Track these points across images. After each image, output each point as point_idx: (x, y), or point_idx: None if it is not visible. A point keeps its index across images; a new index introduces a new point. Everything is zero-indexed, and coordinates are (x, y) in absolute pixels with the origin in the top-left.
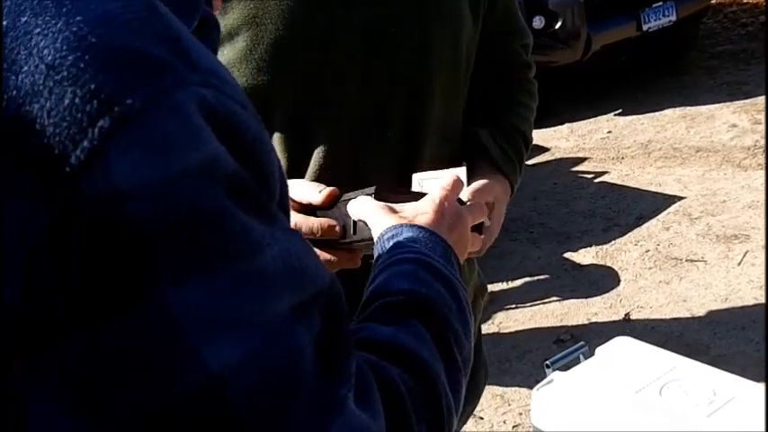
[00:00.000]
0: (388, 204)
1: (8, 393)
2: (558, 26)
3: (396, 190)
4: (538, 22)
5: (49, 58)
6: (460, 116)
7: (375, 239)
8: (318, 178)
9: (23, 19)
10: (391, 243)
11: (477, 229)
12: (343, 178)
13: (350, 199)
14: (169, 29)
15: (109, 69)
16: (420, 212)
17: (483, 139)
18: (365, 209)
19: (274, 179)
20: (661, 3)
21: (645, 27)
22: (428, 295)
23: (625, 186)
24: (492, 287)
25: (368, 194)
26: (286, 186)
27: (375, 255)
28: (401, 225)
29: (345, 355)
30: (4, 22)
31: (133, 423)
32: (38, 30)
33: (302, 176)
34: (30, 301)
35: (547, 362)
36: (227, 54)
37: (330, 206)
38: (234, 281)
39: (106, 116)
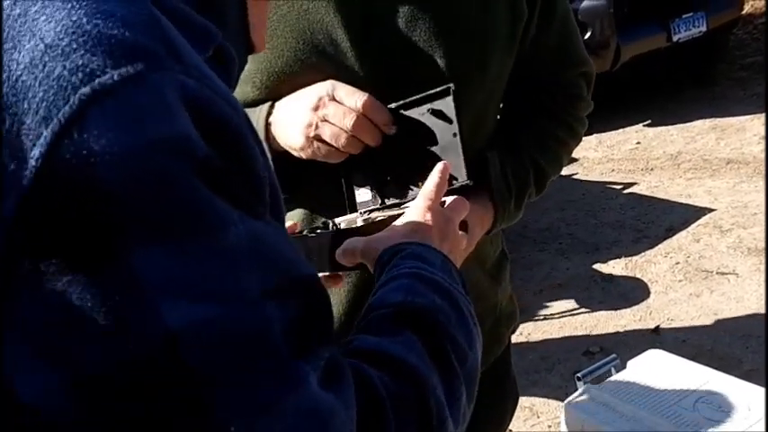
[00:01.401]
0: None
1: None
2: (587, 36)
3: (382, 206)
4: None
5: (48, 39)
6: (484, 141)
7: (373, 263)
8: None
9: (34, 8)
10: (393, 260)
11: (462, 228)
12: None
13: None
14: (164, 32)
15: (97, 49)
16: (411, 228)
17: (490, 163)
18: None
19: (259, 178)
20: (691, 13)
21: (675, 38)
22: (422, 305)
23: (654, 198)
24: (521, 298)
25: (353, 219)
26: (277, 192)
27: (375, 278)
28: (397, 245)
29: (317, 343)
30: (16, 10)
31: (91, 378)
32: (44, 17)
33: (313, 196)
34: (11, 252)
35: (578, 374)
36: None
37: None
38: (196, 251)
39: (87, 86)
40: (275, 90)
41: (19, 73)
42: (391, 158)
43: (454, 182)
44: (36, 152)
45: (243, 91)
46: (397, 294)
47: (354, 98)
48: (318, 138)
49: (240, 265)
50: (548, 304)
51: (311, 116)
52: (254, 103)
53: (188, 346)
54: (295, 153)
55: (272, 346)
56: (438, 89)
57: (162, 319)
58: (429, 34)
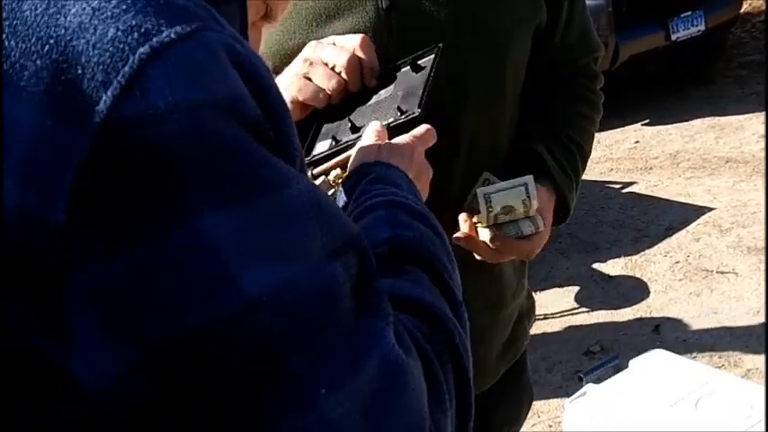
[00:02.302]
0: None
1: (56, 312)
2: None
3: (333, 148)
4: None
5: (95, 2)
6: (505, 130)
7: (342, 177)
8: None
9: None
10: (359, 187)
11: (523, 237)
12: None
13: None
14: (201, 1)
15: (147, 10)
16: (366, 151)
17: (540, 152)
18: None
19: (293, 147)
20: (690, 12)
21: (674, 37)
22: (412, 237)
23: (654, 197)
24: None
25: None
26: (304, 161)
27: (343, 196)
28: (365, 164)
29: (381, 297)
30: None
31: (169, 348)
32: None
33: None
34: (73, 225)
35: (580, 374)
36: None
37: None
38: (263, 210)
39: (146, 44)
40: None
41: (68, 38)
42: (357, 111)
43: (407, 114)
44: (96, 118)
45: None
46: (384, 230)
47: (352, 38)
48: (307, 77)
49: (305, 223)
50: (547, 304)
51: (305, 60)
52: None
53: (267, 310)
54: None
55: (345, 306)
56: (426, 48)
57: (238, 283)
58: (449, 17)
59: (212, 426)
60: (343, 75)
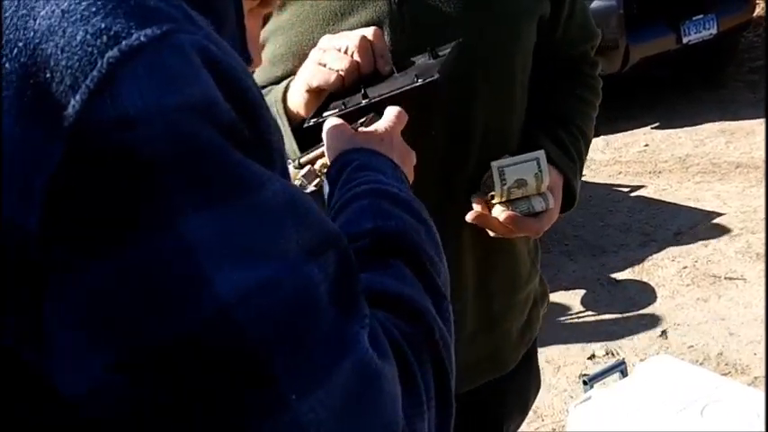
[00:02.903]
0: (341, 126)
1: (34, 317)
2: None
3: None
4: None
5: (65, 4)
6: (516, 119)
7: (327, 166)
8: None
9: None
10: (343, 175)
11: (534, 214)
12: None
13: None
14: (180, 3)
15: (118, 12)
16: (366, 136)
17: (543, 143)
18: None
19: (272, 148)
20: (702, 15)
21: (685, 40)
22: (395, 227)
23: (662, 201)
24: None
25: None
26: (286, 165)
27: (327, 186)
28: (347, 152)
29: (359, 298)
30: None
31: (146, 351)
32: None
33: None
34: (48, 229)
35: (584, 378)
36: (277, 46)
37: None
38: (240, 212)
39: (114, 48)
40: None
41: (37, 41)
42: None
43: (425, 78)
44: (65, 122)
45: (272, 72)
46: (365, 221)
47: (363, 29)
48: (321, 63)
49: (281, 224)
50: (553, 307)
51: (318, 49)
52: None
53: (243, 311)
54: (298, 99)
55: (321, 308)
56: (445, 45)
57: (213, 285)
58: (461, 7)
59: (186, 428)
60: (355, 56)
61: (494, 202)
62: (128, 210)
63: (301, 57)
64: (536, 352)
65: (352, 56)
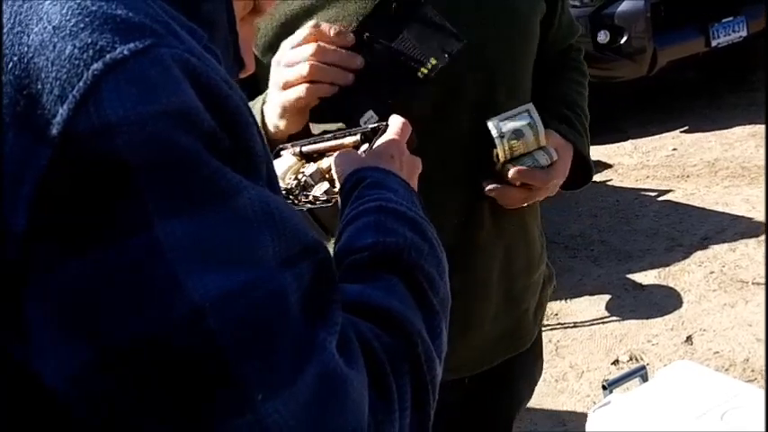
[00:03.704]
0: (347, 150)
1: (14, 314)
2: (623, 41)
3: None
4: (603, 37)
5: (56, 21)
6: (528, 99)
7: (338, 188)
8: None
9: None
10: (355, 192)
11: (541, 167)
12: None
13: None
14: (162, 16)
15: (104, 27)
16: (376, 154)
17: (550, 122)
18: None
19: (257, 156)
20: (731, 18)
21: (714, 43)
22: (395, 244)
23: (690, 205)
24: (551, 305)
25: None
26: (274, 173)
27: (340, 205)
28: (360, 170)
29: (330, 308)
30: None
31: (119, 348)
32: (48, 2)
33: None
34: (32, 229)
35: (604, 383)
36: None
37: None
38: (214, 218)
39: (99, 61)
40: None
41: (30, 55)
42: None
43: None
44: (53, 129)
45: None
46: (368, 235)
47: (304, 31)
48: (286, 84)
49: (256, 232)
50: (577, 311)
51: (277, 71)
52: None
53: (213, 315)
54: (279, 123)
55: (290, 315)
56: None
57: (185, 289)
58: (476, 6)
59: (156, 424)
60: (310, 50)
61: (500, 162)
62: (105, 212)
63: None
64: (541, 334)
65: (310, 55)
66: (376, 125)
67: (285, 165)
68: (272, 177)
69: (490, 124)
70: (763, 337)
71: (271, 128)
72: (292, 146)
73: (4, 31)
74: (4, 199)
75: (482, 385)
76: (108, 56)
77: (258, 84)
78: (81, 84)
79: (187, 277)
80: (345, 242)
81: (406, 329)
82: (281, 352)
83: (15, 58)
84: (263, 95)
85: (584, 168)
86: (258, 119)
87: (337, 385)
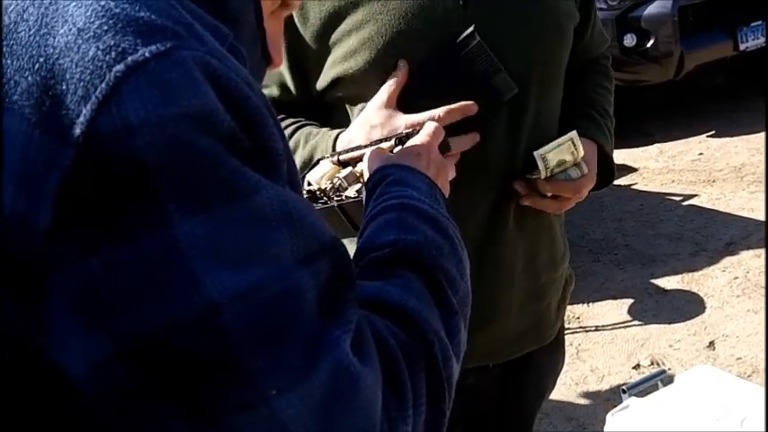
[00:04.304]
0: (379, 147)
1: (37, 307)
2: (650, 44)
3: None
4: (629, 40)
5: (80, 23)
6: (558, 107)
7: (363, 185)
8: None
9: None
10: (377, 190)
11: (572, 180)
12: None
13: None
14: (185, 17)
15: (127, 30)
16: (404, 153)
17: (579, 124)
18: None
19: (277, 155)
20: (760, 21)
21: (742, 47)
22: (415, 241)
23: (715, 210)
24: (573, 308)
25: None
26: (296, 172)
27: (364, 202)
28: (385, 167)
29: (346, 306)
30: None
31: (138, 342)
32: (74, 3)
33: None
34: (57, 226)
35: (623, 387)
36: (352, 41)
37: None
38: (232, 217)
39: (122, 63)
40: (383, 61)
41: (56, 57)
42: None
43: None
44: (77, 129)
45: (347, 67)
46: (389, 233)
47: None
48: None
49: (274, 230)
50: (599, 315)
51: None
52: (361, 73)
53: (228, 311)
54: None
55: (306, 313)
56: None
57: (204, 286)
58: (521, 5)
59: (170, 415)
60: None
61: (540, 179)
62: (125, 211)
63: (372, 52)
64: (564, 328)
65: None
66: (410, 130)
67: (322, 171)
68: (292, 176)
69: (537, 157)
70: None
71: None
72: (331, 155)
73: (31, 32)
74: (30, 196)
75: (507, 373)
76: (130, 58)
77: (302, 66)
78: (103, 85)
79: (204, 275)
80: (367, 239)
81: (423, 328)
82: (294, 348)
83: (41, 60)
84: (334, 134)
85: (606, 169)
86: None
87: (350, 382)
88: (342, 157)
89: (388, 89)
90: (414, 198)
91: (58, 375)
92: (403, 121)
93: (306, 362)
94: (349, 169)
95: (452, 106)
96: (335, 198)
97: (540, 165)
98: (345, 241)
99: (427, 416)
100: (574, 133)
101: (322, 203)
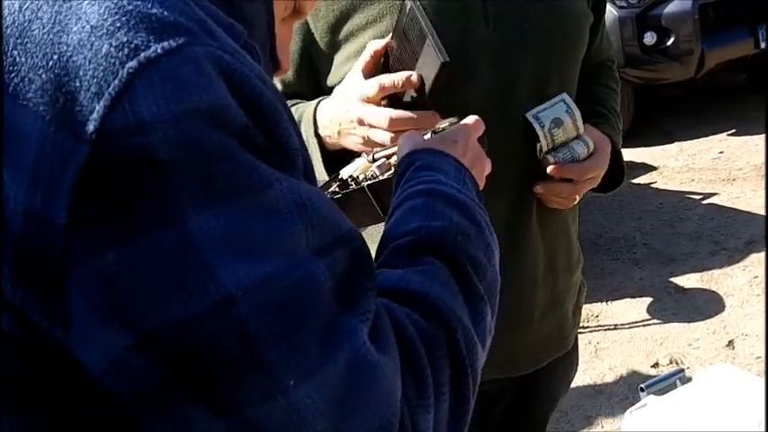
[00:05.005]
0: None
1: (57, 302)
2: (670, 42)
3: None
4: (649, 38)
5: (94, 20)
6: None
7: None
8: None
9: None
10: (406, 174)
11: (579, 160)
12: None
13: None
14: (198, 13)
15: (140, 27)
16: (440, 139)
17: (588, 120)
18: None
19: (292, 150)
20: None
21: (763, 45)
22: (440, 227)
23: (735, 209)
24: (591, 307)
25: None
26: (311, 167)
27: (393, 186)
28: (414, 152)
29: (364, 296)
30: None
31: (155, 336)
32: (87, 1)
33: None
34: (73, 221)
35: (641, 385)
36: (366, 37)
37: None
38: (246, 210)
39: (134, 59)
40: None
41: (69, 54)
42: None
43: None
44: (90, 126)
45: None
46: (414, 219)
47: (371, 86)
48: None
49: (288, 222)
50: (618, 314)
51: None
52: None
53: (244, 303)
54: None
55: (323, 302)
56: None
57: (220, 279)
58: (539, 3)
59: (189, 407)
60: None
61: (542, 153)
62: (140, 206)
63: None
64: (576, 338)
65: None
66: (448, 123)
67: (356, 165)
68: (308, 169)
69: (530, 116)
70: None
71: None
72: (367, 153)
73: (45, 30)
74: (47, 194)
75: (521, 379)
76: (142, 54)
77: (312, 61)
78: (116, 82)
79: (219, 268)
80: (392, 225)
81: (446, 315)
82: (311, 338)
83: (55, 57)
84: (314, 104)
85: (616, 170)
86: (310, 130)
87: (368, 372)
88: (377, 155)
89: (363, 58)
90: (441, 183)
91: (81, 374)
92: (358, 92)
93: (322, 351)
94: (382, 160)
95: (393, 76)
96: (365, 184)
97: (536, 125)
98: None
99: (450, 403)
100: (564, 94)
101: (352, 187)
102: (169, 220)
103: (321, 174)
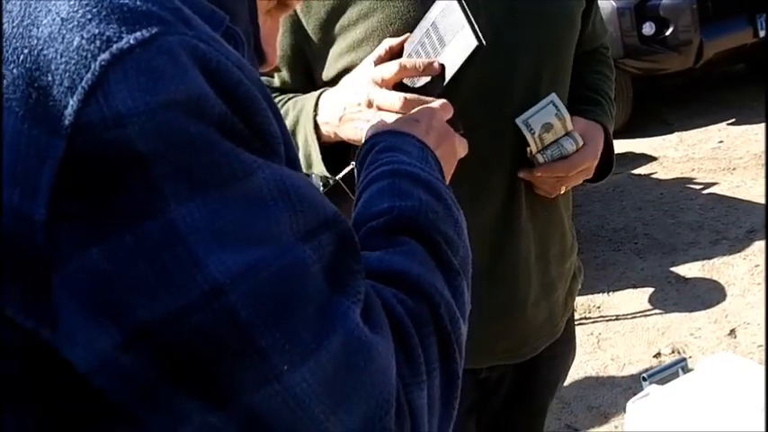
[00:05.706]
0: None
1: (44, 302)
2: (668, 32)
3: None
4: (648, 29)
5: (64, 13)
6: (567, 90)
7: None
8: None
9: None
10: (368, 157)
11: (567, 156)
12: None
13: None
14: (172, 2)
15: (111, 18)
16: (401, 120)
17: (583, 108)
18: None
19: (273, 137)
20: None
21: (761, 34)
22: (410, 207)
23: (736, 198)
24: (593, 297)
25: None
26: (294, 153)
27: (356, 172)
28: (376, 135)
29: (353, 277)
30: None
31: (145, 330)
32: None
33: None
34: (55, 218)
35: (644, 375)
36: (359, 31)
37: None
38: (229, 199)
39: (106, 51)
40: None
41: (40, 48)
42: None
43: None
44: (65, 121)
45: (354, 57)
46: (383, 200)
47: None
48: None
49: (272, 209)
50: (620, 304)
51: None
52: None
53: (234, 293)
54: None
55: (313, 287)
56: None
57: (205, 268)
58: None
59: (184, 401)
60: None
61: (533, 154)
62: (122, 200)
63: (381, 41)
64: (573, 320)
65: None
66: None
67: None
68: (291, 158)
69: (519, 123)
70: None
71: (326, 127)
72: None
73: (15, 23)
74: (25, 192)
75: (519, 367)
76: (115, 46)
77: (304, 56)
78: (89, 75)
79: (206, 257)
80: (362, 208)
81: (428, 292)
82: (303, 323)
83: (26, 51)
84: (315, 97)
85: (607, 158)
86: (310, 125)
87: (363, 352)
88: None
89: (377, 52)
90: (405, 163)
91: (75, 373)
92: (372, 74)
93: (316, 335)
94: None
95: (414, 60)
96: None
97: (526, 132)
98: None
99: (441, 379)
100: (552, 96)
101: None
102: (152, 213)
103: (321, 171)
